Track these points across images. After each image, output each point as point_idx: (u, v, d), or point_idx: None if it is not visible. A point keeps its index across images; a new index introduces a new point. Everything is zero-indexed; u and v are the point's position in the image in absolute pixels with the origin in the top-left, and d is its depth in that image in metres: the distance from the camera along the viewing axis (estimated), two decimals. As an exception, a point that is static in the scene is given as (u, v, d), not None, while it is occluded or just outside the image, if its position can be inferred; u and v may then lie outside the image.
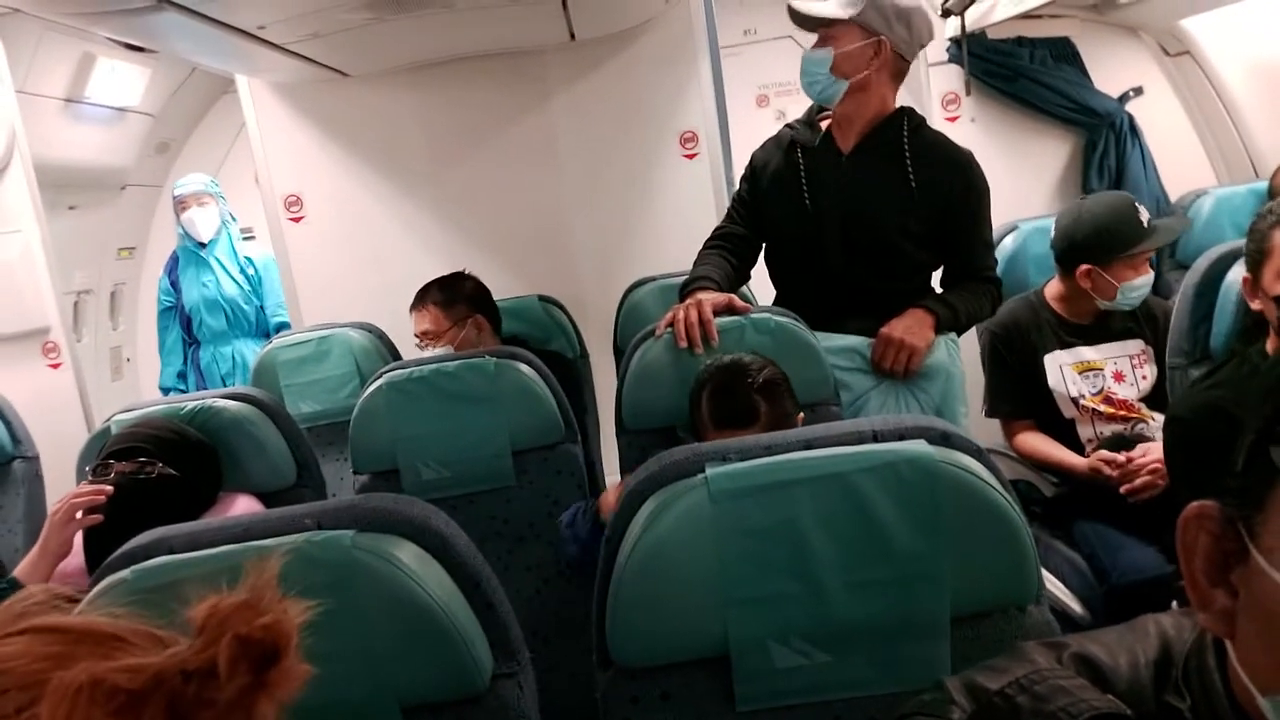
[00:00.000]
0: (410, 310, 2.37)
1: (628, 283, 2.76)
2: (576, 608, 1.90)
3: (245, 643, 0.50)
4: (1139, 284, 2.06)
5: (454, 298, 2.33)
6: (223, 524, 0.97)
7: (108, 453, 1.61)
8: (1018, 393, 2.19)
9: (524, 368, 1.89)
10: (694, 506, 0.93)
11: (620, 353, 2.61)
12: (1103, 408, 2.09)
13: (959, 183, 1.88)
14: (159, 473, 1.56)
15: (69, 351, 3.10)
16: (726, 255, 2.07)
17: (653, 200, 2.28)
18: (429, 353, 2.28)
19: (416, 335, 2.33)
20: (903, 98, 1.98)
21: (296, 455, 1.84)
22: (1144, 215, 2.06)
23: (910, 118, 1.92)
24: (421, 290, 2.37)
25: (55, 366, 3.10)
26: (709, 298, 1.83)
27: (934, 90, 3.15)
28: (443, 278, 2.40)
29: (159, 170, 4.64)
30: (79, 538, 1.61)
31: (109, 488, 1.55)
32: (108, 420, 1.82)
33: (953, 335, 1.96)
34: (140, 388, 4.63)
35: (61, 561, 1.59)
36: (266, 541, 0.92)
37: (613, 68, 3.30)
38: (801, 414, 1.58)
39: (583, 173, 3.33)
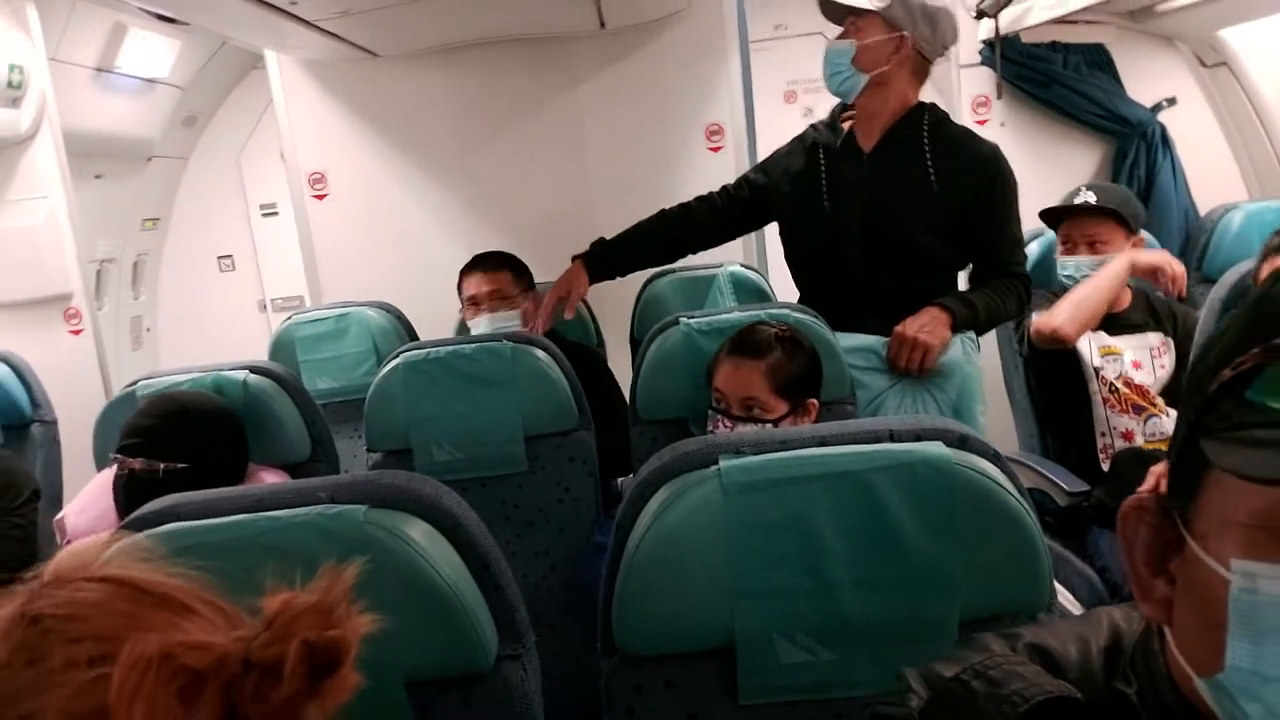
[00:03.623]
0: (467, 273, 2.38)
1: (647, 274, 2.75)
2: (583, 594, 1.91)
3: (313, 649, 0.51)
4: (1079, 263, 2.21)
5: (521, 270, 2.40)
6: (236, 494, 0.98)
7: (118, 446, 1.61)
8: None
9: (540, 353, 1.89)
10: (705, 498, 0.93)
11: (637, 344, 2.61)
12: (1121, 387, 2.09)
13: (983, 176, 1.86)
14: (164, 470, 1.56)
15: (90, 318, 3.13)
16: (678, 218, 2.18)
17: (675, 191, 2.27)
18: (478, 320, 2.30)
19: (470, 298, 2.33)
20: (932, 98, 1.97)
21: (311, 431, 1.85)
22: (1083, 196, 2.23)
23: (931, 113, 1.90)
24: (482, 256, 2.40)
25: (76, 333, 3.13)
26: (561, 285, 2.16)
27: (965, 92, 3.13)
28: (498, 252, 2.42)
29: (186, 142, 4.67)
30: (100, 505, 1.63)
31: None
32: (129, 386, 1.84)
33: (971, 334, 1.94)
34: (159, 357, 4.67)
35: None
36: (279, 513, 0.92)
37: (641, 57, 3.29)
38: (816, 401, 1.60)
39: (607, 161, 3.33)
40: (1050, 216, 2.31)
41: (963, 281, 2.06)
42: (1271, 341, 0.49)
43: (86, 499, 1.72)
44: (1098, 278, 2.15)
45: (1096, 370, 2.15)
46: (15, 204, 3.05)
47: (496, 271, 2.37)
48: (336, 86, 3.32)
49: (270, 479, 1.71)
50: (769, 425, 1.55)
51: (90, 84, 3.53)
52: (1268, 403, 0.49)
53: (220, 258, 4.98)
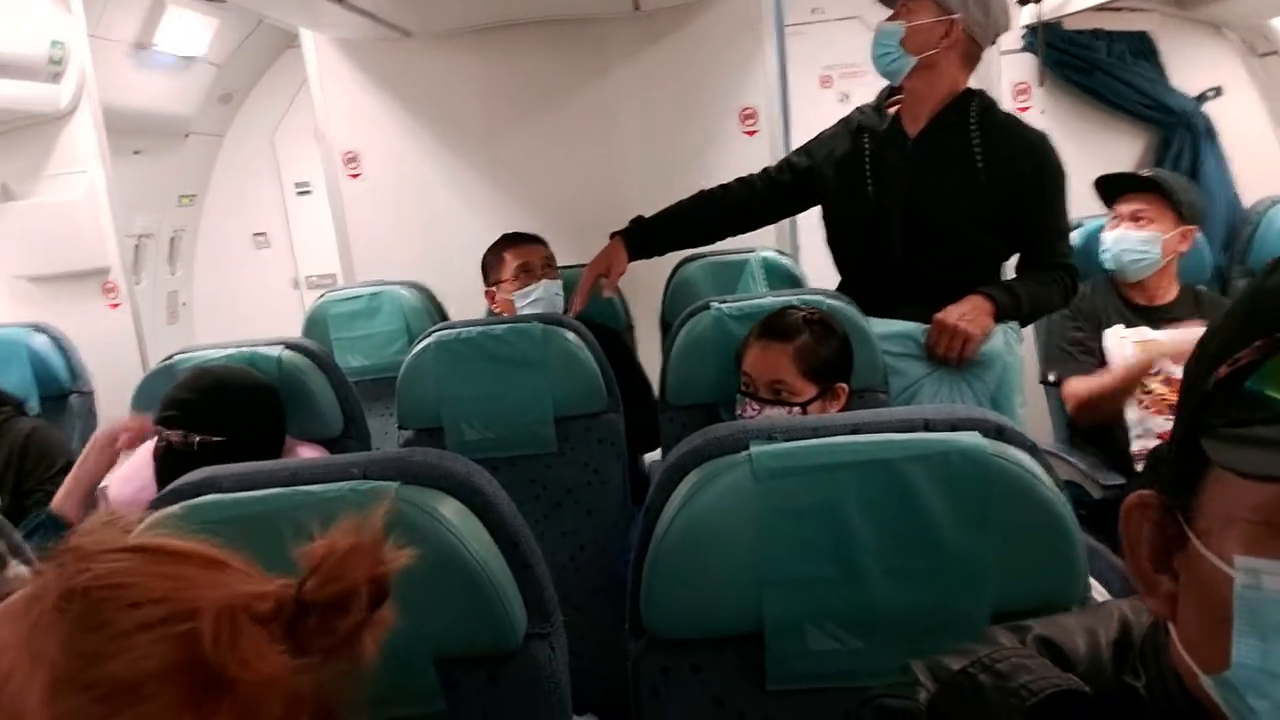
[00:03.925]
0: (507, 246, 2.38)
1: (677, 258, 2.74)
2: (611, 576, 1.92)
3: (377, 582, 0.57)
4: (1120, 236, 2.19)
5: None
6: (272, 467, 0.99)
7: (157, 418, 1.64)
8: (1076, 354, 2.19)
9: (571, 335, 1.89)
10: (736, 483, 0.93)
11: (667, 328, 2.60)
12: (1158, 387, 2.06)
13: (1031, 164, 1.83)
14: (199, 443, 1.58)
15: (128, 293, 3.18)
16: (718, 199, 2.16)
17: (708, 175, 2.26)
18: (533, 288, 2.31)
19: (523, 265, 2.34)
20: (972, 85, 1.94)
21: (344, 407, 1.87)
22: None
23: (981, 99, 1.87)
24: (516, 234, 2.43)
25: (114, 306, 3.18)
26: (599, 263, 2.15)
27: (1005, 79, 3.08)
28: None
29: (222, 120, 4.71)
30: (142, 476, 1.65)
31: (150, 425, 1.60)
32: (166, 360, 1.86)
33: (1013, 324, 1.91)
34: (194, 332, 4.73)
35: (96, 488, 1.65)
36: (314, 487, 0.93)
37: (675, 40, 3.27)
38: (846, 386, 1.59)
39: (639, 144, 3.31)
40: (1104, 192, 2.28)
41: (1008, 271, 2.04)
42: (1273, 335, 0.48)
43: (131, 470, 1.75)
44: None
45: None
46: (55, 179, 3.10)
47: (537, 244, 2.40)
48: (370, 66, 3.33)
49: (307, 454, 1.73)
50: (796, 409, 1.54)
51: (129, 60, 3.57)
52: (1266, 391, 0.48)
53: (255, 235, 5.04)
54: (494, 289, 2.38)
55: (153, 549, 0.59)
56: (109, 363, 2.91)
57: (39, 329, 2.64)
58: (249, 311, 4.85)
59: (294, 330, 2.62)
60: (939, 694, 0.62)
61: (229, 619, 0.54)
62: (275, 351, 1.81)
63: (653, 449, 2.20)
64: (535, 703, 0.96)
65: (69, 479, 1.64)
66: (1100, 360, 2.18)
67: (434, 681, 0.93)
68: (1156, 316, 2.17)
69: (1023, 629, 0.66)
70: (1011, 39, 3.02)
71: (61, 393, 2.64)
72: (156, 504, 0.96)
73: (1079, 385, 2.19)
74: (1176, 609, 0.56)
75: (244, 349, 1.82)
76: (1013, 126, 1.88)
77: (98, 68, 3.12)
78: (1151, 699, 0.57)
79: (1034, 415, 2.26)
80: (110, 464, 1.61)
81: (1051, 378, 2.28)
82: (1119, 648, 0.62)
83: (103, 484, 1.74)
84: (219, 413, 1.60)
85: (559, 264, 2.56)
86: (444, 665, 0.94)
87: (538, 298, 2.31)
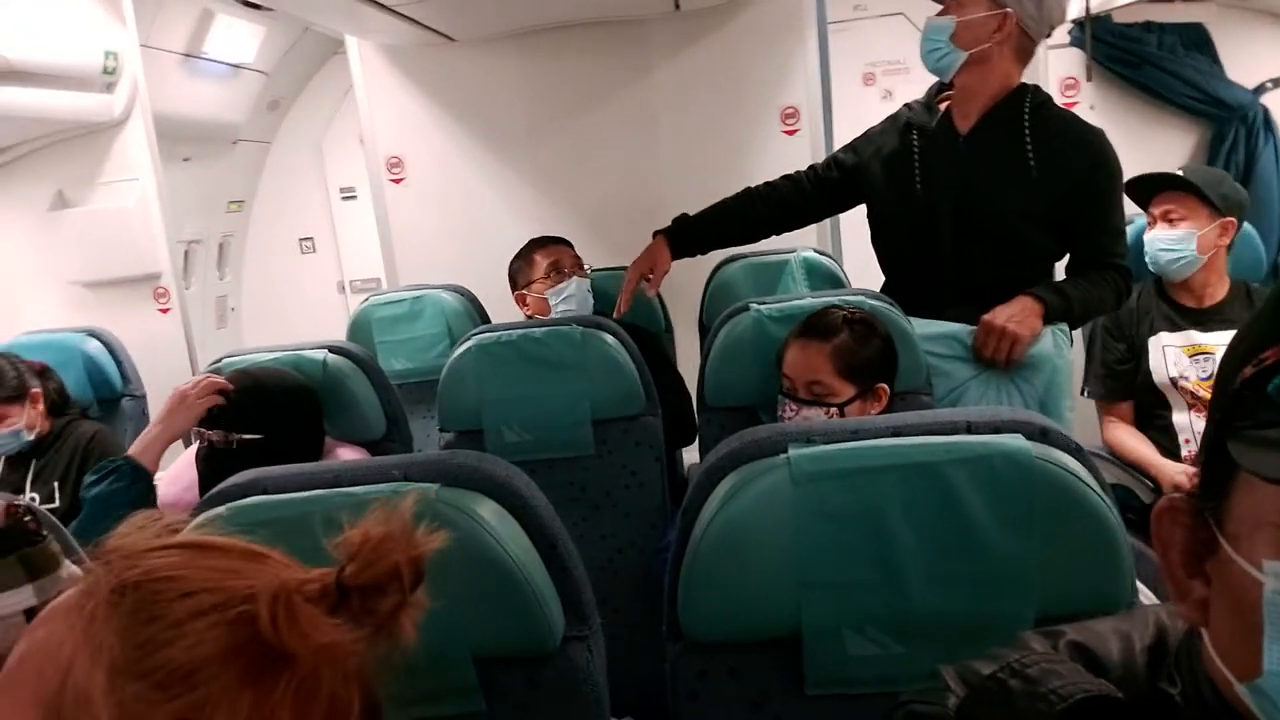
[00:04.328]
0: (536, 248, 2.42)
1: (718, 259, 2.74)
2: (649, 578, 1.91)
3: (416, 564, 0.61)
4: (1154, 237, 2.14)
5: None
6: (315, 469, 1.00)
7: (199, 420, 1.67)
8: (1118, 374, 2.15)
9: (609, 338, 1.90)
10: (774, 486, 0.92)
11: (705, 330, 2.59)
12: (1207, 394, 2.01)
13: (1085, 162, 1.78)
14: (238, 442, 1.61)
15: (178, 297, 3.25)
16: (763, 197, 2.15)
17: (749, 175, 2.25)
18: (566, 285, 2.34)
19: (554, 264, 2.37)
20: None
21: (387, 410, 1.89)
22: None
23: (1034, 95, 1.83)
24: (542, 238, 2.47)
25: (164, 311, 3.25)
26: (643, 261, 2.15)
27: (1052, 74, 3.02)
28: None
29: (269, 127, 4.80)
30: (186, 477, 1.69)
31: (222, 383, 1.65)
32: (215, 363, 1.90)
33: (1063, 326, 1.87)
34: (243, 336, 4.82)
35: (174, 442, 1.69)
36: (356, 489, 0.94)
37: (716, 40, 3.26)
38: (887, 387, 1.57)
39: (680, 145, 3.31)
40: (1136, 194, 2.24)
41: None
42: None
43: (177, 470, 1.79)
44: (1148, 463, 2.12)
45: (1174, 380, 2.07)
46: (109, 186, 3.18)
47: (564, 244, 2.44)
48: (414, 72, 3.37)
49: (348, 455, 1.75)
50: (834, 410, 1.53)
51: (179, 69, 3.66)
52: None
53: (301, 240, 5.12)
54: (524, 292, 2.41)
55: (196, 545, 0.62)
56: (160, 366, 2.98)
57: (92, 334, 2.72)
58: (295, 315, 4.94)
59: (339, 334, 2.65)
60: (968, 699, 0.62)
61: (284, 599, 0.57)
62: (320, 355, 1.84)
63: (690, 442, 2.20)
64: (573, 704, 0.97)
65: (151, 432, 1.67)
66: (1144, 374, 2.14)
67: (473, 681, 0.94)
68: (1206, 318, 2.10)
69: (1056, 634, 0.65)
70: (1058, 33, 2.95)
71: (114, 396, 2.71)
72: (203, 505, 0.98)
73: (1118, 435, 2.20)
74: (1208, 615, 0.54)
75: (290, 352, 1.85)
76: (1067, 123, 1.84)
77: (149, 77, 3.20)
78: (1187, 706, 0.56)
79: (1084, 418, 2.21)
80: (193, 421, 1.65)
81: (1085, 394, 2.25)
82: (1154, 653, 0.61)
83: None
84: (258, 413, 1.63)
85: (600, 266, 2.57)
86: (483, 665, 0.94)
87: (571, 294, 2.34)
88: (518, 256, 2.44)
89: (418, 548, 0.62)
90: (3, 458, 2.26)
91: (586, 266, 2.45)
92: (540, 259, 2.39)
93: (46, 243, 3.21)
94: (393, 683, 0.90)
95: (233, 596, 0.57)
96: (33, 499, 2.16)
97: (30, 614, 0.94)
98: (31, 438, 2.20)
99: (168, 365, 3.10)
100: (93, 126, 3.11)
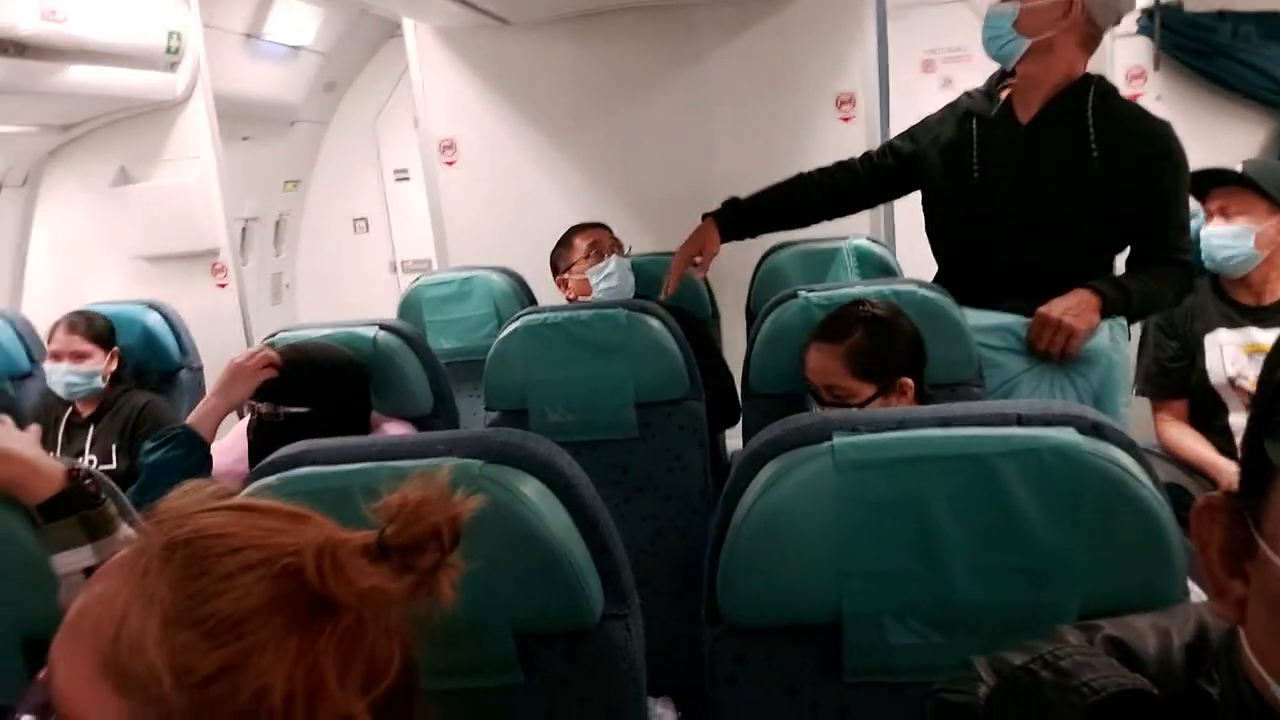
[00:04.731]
0: (576, 233, 2.46)
1: (767, 245, 2.72)
2: (690, 562, 1.92)
3: (453, 524, 0.63)
4: (1209, 233, 2.09)
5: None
6: (363, 442, 1.02)
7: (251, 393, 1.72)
8: (1171, 371, 2.10)
9: (654, 322, 1.90)
10: (817, 474, 0.91)
11: (752, 316, 2.58)
12: None
13: (1149, 155, 1.73)
14: (285, 414, 1.65)
15: (235, 274, 3.32)
16: (816, 181, 2.12)
17: (801, 163, 2.22)
18: (606, 263, 2.36)
19: (594, 243, 2.40)
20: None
21: (434, 387, 1.92)
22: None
23: (1099, 85, 1.79)
24: (577, 225, 2.50)
25: (222, 286, 3.32)
26: (692, 244, 2.13)
27: (1118, 63, 2.93)
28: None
29: (326, 108, 4.86)
30: (239, 448, 1.73)
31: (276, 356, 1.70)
32: (269, 338, 1.94)
33: (1121, 320, 1.83)
34: (297, 312, 4.91)
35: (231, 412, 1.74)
36: (401, 463, 0.95)
37: (771, 25, 3.23)
38: (911, 380, 1.53)
39: (732, 131, 3.29)
40: (1192, 189, 2.17)
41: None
42: None
43: (229, 442, 1.84)
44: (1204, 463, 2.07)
45: (1232, 380, 2.01)
46: (170, 163, 3.25)
47: (602, 228, 2.47)
48: (468, 55, 3.39)
49: (394, 429, 1.78)
50: (856, 410, 1.51)
51: (240, 50, 3.72)
52: None
53: (355, 220, 5.19)
54: (566, 276, 2.43)
55: (243, 506, 0.66)
56: (216, 340, 3.05)
57: (153, 306, 2.79)
58: (348, 293, 5.01)
59: (390, 312, 2.69)
60: (998, 689, 0.61)
61: (329, 552, 0.59)
62: (371, 332, 1.87)
63: (733, 423, 2.20)
64: (611, 681, 0.97)
65: (208, 403, 1.71)
66: (1200, 373, 2.08)
67: (513, 654, 0.95)
68: (1266, 315, 2.04)
69: (1092, 628, 0.64)
70: (1125, 22, 2.87)
71: (173, 367, 2.78)
72: (254, 475, 1.00)
73: (1173, 433, 2.15)
74: (1246, 613, 0.54)
75: (342, 329, 1.88)
76: (1133, 114, 1.79)
77: (210, 57, 3.26)
78: (1225, 706, 0.55)
79: (1140, 414, 2.16)
80: (249, 393, 1.69)
81: (1134, 393, 2.19)
82: (1194, 651, 0.59)
83: None
84: (306, 386, 1.67)
85: (649, 251, 2.58)
86: (523, 639, 0.96)
87: (611, 271, 2.35)
88: (558, 244, 2.47)
89: (455, 509, 0.64)
90: (64, 424, 2.35)
91: (627, 247, 2.45)
92: (579, 242, 2.42)
93: (110, 217, 3.30)
94: (433, 653, 0.92)
95: (279, 551, 0.60)
96: (91, 463, 2.24)
97: (89, 573, 0.97)
98: (102, 385, 2.32)
99: (224, 339, 3.17)
100: (156, 105, 3.18)
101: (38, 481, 1.02)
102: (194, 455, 1.63)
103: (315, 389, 1.67)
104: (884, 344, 1.53)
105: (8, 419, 1.12)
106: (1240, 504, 0.53)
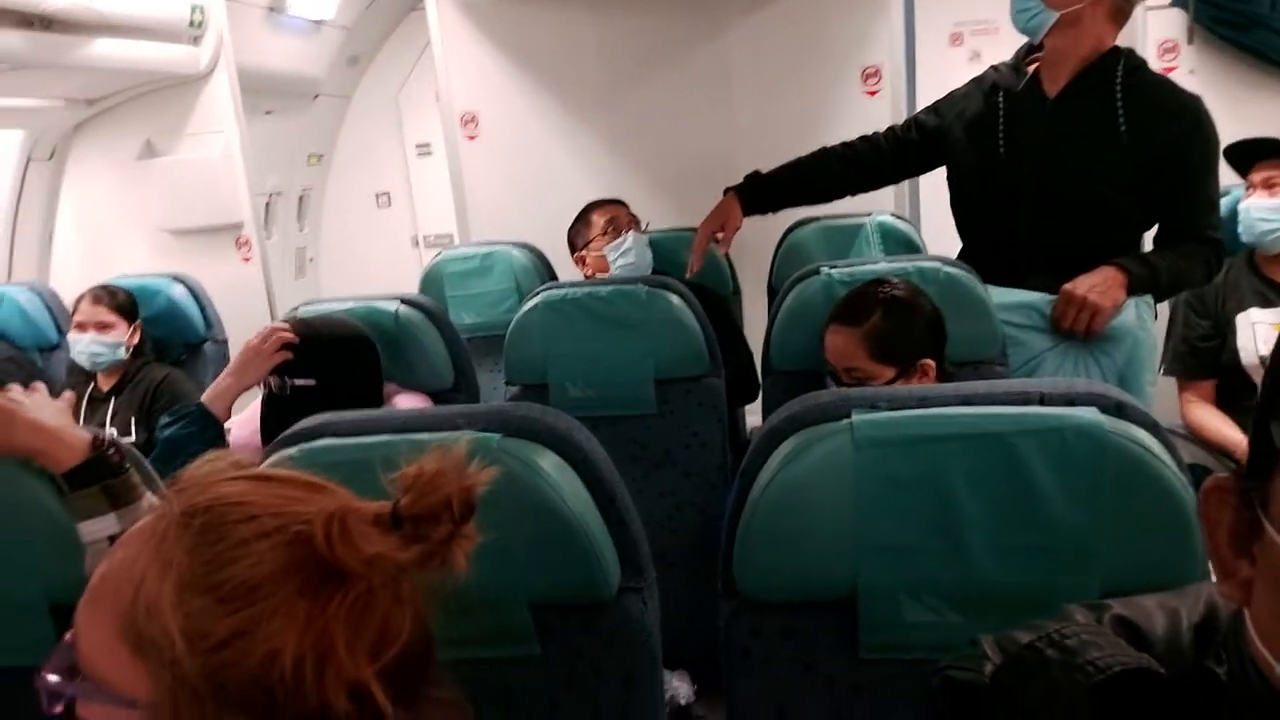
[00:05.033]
0: (593, 210, 2.45)
1: (790, 221, 2.70)
2: (708, 537, 1.92)
3: (465, 492, 0.64)
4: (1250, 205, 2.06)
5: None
6: (383, 415, 1.03)
7: None
8: (1200, 351, 2.07)
9: (674, 298, 1.90)
10: (836, 450, 0.91)
11: (774, 293, 2.57)
12: None
13: (1179, 130, 1.70)
14: (292, 387, 1.66)
15: (259, 247, 3.34)
16: (839, 156, 2.11)
17: (826, 136, 2.20)
18: (625, 239, 2.35)
19: (611, 220, 2.40)
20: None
21: (456, 362, 1.93)
22: None
23: (1128, 59, 1.75)
24: (595, 201, 2.49)
25: (246, 260, 3.35)
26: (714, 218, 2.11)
27: (1150, 36, 2.88)
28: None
29: (349, 82, 4.86)
30: (258, 420, 1.75)
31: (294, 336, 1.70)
32: (293, 311, 1.96)
33: (1148, 298, 1.80)
34: (320, 286, 4.94)
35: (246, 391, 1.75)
36: (421, 435, 0.96)
37: (796, -3, 3.18)
38: (932, 361, 1.51)
39: (756, 105, 3.26)
40: (1236, 161, 2.13)
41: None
42: None
43: (249, 414, 1.86)
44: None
45: (1264, 360, 1.98)
46: (195, 137, 3.27)
47: (619, 204, 2.46)
48: (490, 28, 3.37)
49: (405, 401, 1.80)
50: None
51: (263, 23, 3.71)
52: None
53: (378, 194, 5.20)
54: (583, 253, 2.42)
55: (261, 476, 0.67)
56: (240, 313, 3.07)
57: (178, 279, 2.82)
58: (371, 268, 5.03)
59: (412, 286, 2.70)
60: (1003, 667, 0.61)
61: (339, 520, 0.60)
62: (392, 306, 1.88)
63: (752, 399, 2.19)
64: (627, 653, 0.98)
65: (223, 380, 1.73)
66: (1230, 353, 2.05)
67: (529, 626, 0.96)
68: None
69: (1101, 607, 0.64)
70: (1159, -7, 2.82)
71: (198, 339, 2.81)
72: (275, 446, 1.02)
73: (1199, 414, 2.13)
74: (1251, 595, 0.53)
75: (364, 303, 1.89)
76: (1162, 88, 1.75)
77: (233, 31, 3.26)
78: (1232, 685, 0.54)
79: (1166, 394, 2.14)
80: (263, 373, 1.70)
81: (1161, 373, 2.16)
82: (1202, 631, 0.59)
83: (224, 427, 1.85)
84: (311, 359, 1.69)
85: (669, 227, 2.56)
86: (539, 611, 0.96)
87: (629, 247, 2.34)
88: (575, 221, 2.46)
89: (469, 480, 0.64)
90: (86, 398, 2.39)
91: (644, 223, 2.44)
92: (597, 218, 2.41)
93: (136, 191, 3.32)
94: (450, 623, 0.92)
95: (293, 519, 0.61)
96: (112, 434, 2.28)
97: (114, 540, 0.99)
98: (125, 357, 2.38)
99: (249, 312, 3.19)
100: (179, 78, 3.19)
101: (63, 451, 1.04)
102: (207, 433, 1.65)
103: (321, 362, 1.68)
104: (904, 325, 1.51)
105: (41, 386, 1.14)
106: (1247, 486, 0.53)
